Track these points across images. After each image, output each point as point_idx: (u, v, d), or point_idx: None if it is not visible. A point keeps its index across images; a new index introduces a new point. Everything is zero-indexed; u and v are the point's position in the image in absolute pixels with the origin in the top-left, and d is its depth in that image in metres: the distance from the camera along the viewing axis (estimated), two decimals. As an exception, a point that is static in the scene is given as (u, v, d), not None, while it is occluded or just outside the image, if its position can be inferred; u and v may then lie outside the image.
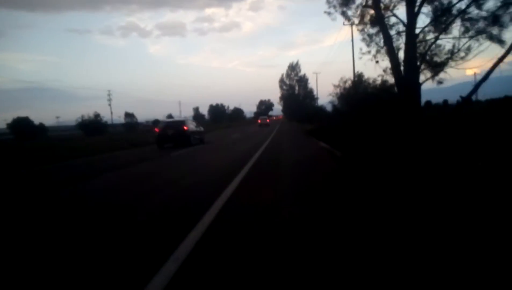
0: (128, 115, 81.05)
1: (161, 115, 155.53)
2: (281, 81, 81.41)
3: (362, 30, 18.37)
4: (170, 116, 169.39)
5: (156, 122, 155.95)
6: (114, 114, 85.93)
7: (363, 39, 18.40)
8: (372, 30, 17.72)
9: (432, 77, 16.14)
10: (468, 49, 14.83)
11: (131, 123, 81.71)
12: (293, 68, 79.86)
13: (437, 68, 15.80)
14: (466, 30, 14.59)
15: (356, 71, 32.45)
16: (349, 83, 29.28)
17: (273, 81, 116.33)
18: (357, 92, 25.24)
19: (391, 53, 15.88)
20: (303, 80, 79.23)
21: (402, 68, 15.46)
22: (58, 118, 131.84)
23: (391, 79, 18.27)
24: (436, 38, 15.56)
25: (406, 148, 8.80)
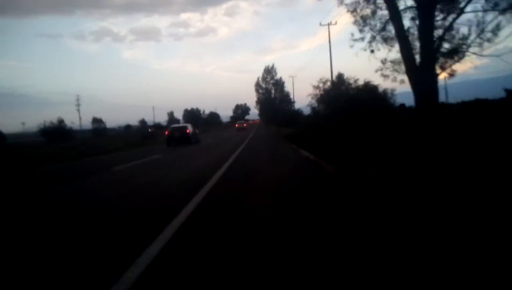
0: (96, 120, 76.98)
1: (134, 120, 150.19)
2: (257, 85, 79.65)
3: (353, 11, 14.78)
4: (143, 121, 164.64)
5: (128, 127, 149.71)
6: (85, 120, 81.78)
7: (355, 22, 14.94)
8: (368, 9, 14.12)
9: (449, 67, 12.91)
10: (497, 28, 11.69)
11: (98, 128, 77.49)
12: (269, 71, 78.38)
13: (455, 54, 12.41)
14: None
15: (337, 72, 30.87)
16: (328, 84, 27.49)
17: (250, 86, 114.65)
18: (338, 94, 23.37)
19: (401, 35, 12.44)
20: (279, 84, 77.74)
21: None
22: (24, 125, 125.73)
23: (376, 79, 16.00)
24: (460, 13, 12.09)
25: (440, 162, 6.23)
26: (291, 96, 76.84)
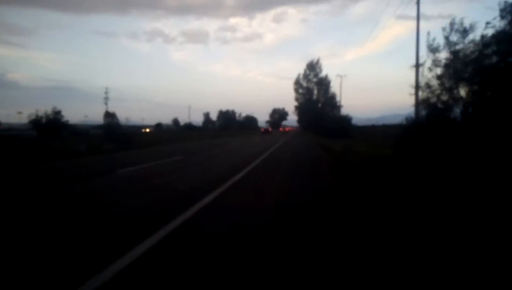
0: (109, 115, 66.75)
1: (168, 119, 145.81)
2: (297, 83, 65.34)
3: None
4: (175, 120, 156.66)
5: (158, 125, 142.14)
6: (124, 116, 73.56)
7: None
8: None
9: None
10: None
11: (111, 125, 67.08)
12: (312, 67, 63.91)
13: None
14: None
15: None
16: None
17: (291, 93, 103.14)
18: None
19: None
20: (323, 83, 63.12)
21: None
22: (86, 117, 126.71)
23: None
24: None
25: None
26: (338, 99, 62.43)
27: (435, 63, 10.41)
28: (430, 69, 10.45)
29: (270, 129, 68.86)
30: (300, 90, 65.00)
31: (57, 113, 51.57)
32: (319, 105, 63.92)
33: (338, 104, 61.98)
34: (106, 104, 78.70)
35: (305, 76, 64.04)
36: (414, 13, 19.13)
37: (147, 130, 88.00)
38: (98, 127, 70.30)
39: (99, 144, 21.40)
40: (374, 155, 13.67)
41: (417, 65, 19.17)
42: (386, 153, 14.28)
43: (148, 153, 17.63)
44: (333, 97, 62.99)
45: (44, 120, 50.95)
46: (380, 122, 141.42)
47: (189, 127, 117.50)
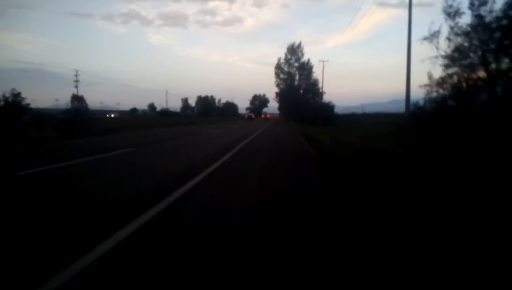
0: (76, 98, 62.20)
1: (145, 104, 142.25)
2: (278, 67, 62.18)
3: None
4: (152, 105, 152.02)
5: (133, 110, 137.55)
6: (98, 101, 68.53)
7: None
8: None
9: None
10: None
11: (79, 109, 62.55)
12: (294, 51, 60.86)
13: None
14: None
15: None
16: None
17: (272, 79, 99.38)
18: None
19: None
20: (305, 68, 60.34)
21: None
22: (57, 101, 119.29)
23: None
24: None
25: None
26: (320, 85, 60.07)
27: (456, 30, 7.95)
28: (449, 39, 7.97)
29: (253, 116, 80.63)
30: (281, 75, 62.05)
31: (16, 95, 47.19)
32: (301, 91, 61.33)
33: (320, 90, 59.81)
34: (76, 87, 73.34)
35: (286, 60, 61.00)
36: (394, 1, 16.65)
37: (112, 115, 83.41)
38: (65, 111, 65.64)
39: (42, 130, 18.14)
40: (370, 148, 11.29)
41: (409, 44, 16.81)
42: (383, 146, 11.92)
43: (98, 142, 14.68)
44: (315, 83, 60.55)
45: (1, 103, 46.63)
46: (359, 111, 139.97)
47: (165, 113, 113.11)
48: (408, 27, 16.26)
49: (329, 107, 46.98)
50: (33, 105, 54.07)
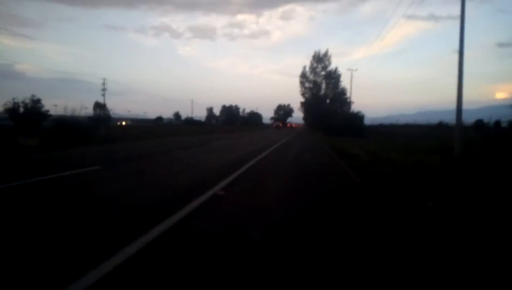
0: (99, 106, 61.67)
1: (172, 113, 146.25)
2: (303, 76, 59.11)
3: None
4: (177, 114, 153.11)
5: (159, 119, 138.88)
6: (126, 109, 68.82)
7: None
8: None
9: None
10: None
11: (100, 117, 62.14)
12: (320, 59, 57.75)
13: None
14: None
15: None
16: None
17: (297, 90, 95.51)
18: None
19: None
20: (332, 76, 57.03)
21: None
22: (87, 109, 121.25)
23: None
24: None
25: None
26: (348, 95, 56.55)
27: None
28: None
29: (280, 125, 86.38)
30: (307, 84, 58.88)
31: (36, 102, 46.77)
32: (327, 101, 58.02)
33: (348, 100, 56.34)
34: (103, 95, 73.08)
35: (312, 68, 57.92)
36: (422, 14, 13.50)
37: (123, 123, 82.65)
38: (89, 118, 65.34)
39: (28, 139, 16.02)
40: (423, 167, 8.25)
41: (462, 50, 13.60)
42: (435, 164, 8.85)
43: (71, 155, 12.21)
44: (343, 92, 57.05)
45: (21, 109, 46.32)
46: (386, 122, 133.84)
47: (189, 121, 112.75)
48: (460, 30, 13.16)
49: (359, 117, 43.51)
50: (64, 112, 54.81)
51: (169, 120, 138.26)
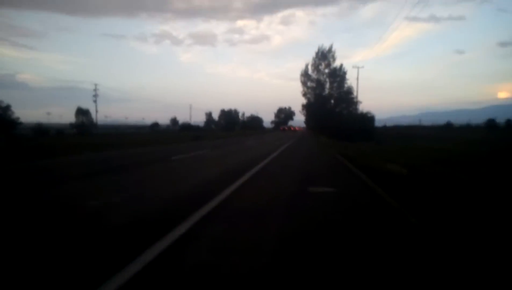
0: (82, 112, 56.53)
1: (167, 118, 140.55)
2: (305, 75, 53.75)
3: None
4: (174, 119, 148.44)
5: (155, 125, 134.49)
6: (124, 116, 64.22)
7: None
8: None
9: None
10: None
11: (83, 124, 56.75)
12: (324, 56, 52.46)
13: None
14: None
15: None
16: None
17: (298, 93, 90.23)
18: None
19: None
20: (338, 74, 51.74)
21: None
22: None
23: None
24: None
25: None
26: (354, 94, 51.16)
27: None
28: None
29: (286, 128, 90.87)
30: (309, 83, 53.54)
31: (5, 108, 41.83)
32: (332, 101, 52.66)
33: (355, 99, 51.01)
34: (94, 101, 67.51)
35: (315, 66, 52.63)
36: (424, 15, 8.43)
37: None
38: (72, 126, 60.42)
39: None
40: None
41: None
42: None
43: None
44: (349, 91, 51.68)
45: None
46: (389, 123, 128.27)
47: (186, 127, 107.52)
48: None
49: (368, 118, 38.18)
50: (59, 120, 50.99)
51: (166, 126, 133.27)
